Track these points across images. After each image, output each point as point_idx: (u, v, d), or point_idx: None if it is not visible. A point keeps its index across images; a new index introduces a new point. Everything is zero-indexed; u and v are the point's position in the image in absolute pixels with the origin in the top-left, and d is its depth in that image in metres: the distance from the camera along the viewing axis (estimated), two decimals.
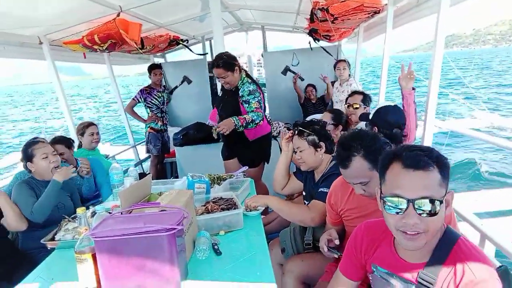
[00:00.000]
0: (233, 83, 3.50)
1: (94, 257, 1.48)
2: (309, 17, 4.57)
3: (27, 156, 2.65)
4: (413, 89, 2.77)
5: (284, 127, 4.84)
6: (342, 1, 3.79)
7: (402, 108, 2.80)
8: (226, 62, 3.40)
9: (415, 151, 1.22)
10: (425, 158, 1.19)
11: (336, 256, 1.91)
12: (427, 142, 2.95)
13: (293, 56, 6.47)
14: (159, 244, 1.40)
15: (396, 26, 4.04)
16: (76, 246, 1.51)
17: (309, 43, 5.65)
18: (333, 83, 5.63)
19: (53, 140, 3.25)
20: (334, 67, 5.23)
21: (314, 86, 6.21)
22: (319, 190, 2.25)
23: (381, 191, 1.29)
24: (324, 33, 5.16)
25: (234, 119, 3.31)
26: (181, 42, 6.20)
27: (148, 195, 2.09)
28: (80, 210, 1.76)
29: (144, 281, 1.41)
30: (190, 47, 6.78)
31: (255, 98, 3.43)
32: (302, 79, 6.35)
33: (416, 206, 1.18)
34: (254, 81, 3.56)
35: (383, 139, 1.89)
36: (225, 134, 3.33)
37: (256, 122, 3.38)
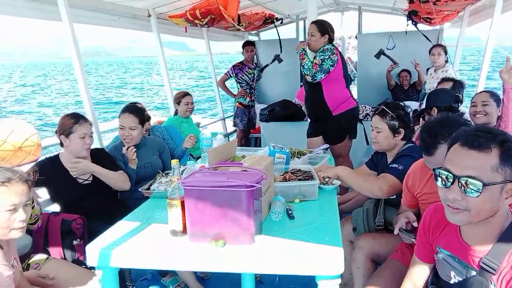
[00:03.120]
0: (315, 45, 3.68)
1: (182, 204, 1.67)
2: None
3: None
4: None
5: (371, 110, 4.74)
6: None
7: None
8: (322, 23, 3.70)
9: (478, 131, 1.23)
10: (483, 140, 1.19)
11: (413, 240, 1.90)
12: None
13: (389, 39, 6.22)
14: (238, 198, 1.55)
15: (505, 11, 3.70)
16: (169, 192, 1.72)
17: (408, 24, 5.39)
18: (428, 69, 5.34)
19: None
20: (429, 52, 4.95)
21: (409, 72, 5.93)
22: (390, 166, 2.29)
23: None
24: (425, 16, 4.90)
25: (302, 50, 3.70)
26: (275, 20, 6.33)
27: (233, 156, 2.27)
28: (174, 162, 1.99)
29: (223, 229, 1.58)
30: (284, 26, 6.87)
31: (321, 56, 3.55)
32: (396, 64, 6.11)
33: (460, 183, 1.20)
34: (335, 48, 3.68)
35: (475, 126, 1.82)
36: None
37: (304, 68, 3.59)
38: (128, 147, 2.90)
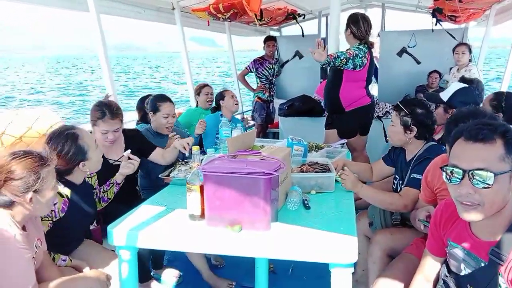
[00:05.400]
0: (347, 40, 3.74)
1: (201, 189, 1.73)
2: None
3: (154, 108, 3.03)
4: None
5: (391, 108, 4.70)
6: None
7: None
8: (350, 19, 3.69)
9: (479, 124, 1.24)
10: (486, 131, 1.21)
11: None
12: None
13: (411, 37, 6.14)
14: (256, 186, 1.59)
15: None
16: (189, 178, 1.77)
17: (433, 22, 5.32)
18: (451, 68, 5.26)
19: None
20: (453, 51, 4.89)
21: (439, 73, 5.76)
22: (411, 176, 2.24)
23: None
24: (450, 14, 4.83)
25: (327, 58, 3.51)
26: (297, 16, 6.32)
27: (252, 146, 2.31)
28: (195, 148, 2.05)
29: (240, 215, 1.63)
30: (306, 22, 6.86)
31: (356, 50, 3.54)
32: (419, 62, 6.04)
33: (470, 177, 1.21)
34: (368, 52, 3.64)
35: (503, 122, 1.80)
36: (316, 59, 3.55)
37: (340, 58, 3.49)
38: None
